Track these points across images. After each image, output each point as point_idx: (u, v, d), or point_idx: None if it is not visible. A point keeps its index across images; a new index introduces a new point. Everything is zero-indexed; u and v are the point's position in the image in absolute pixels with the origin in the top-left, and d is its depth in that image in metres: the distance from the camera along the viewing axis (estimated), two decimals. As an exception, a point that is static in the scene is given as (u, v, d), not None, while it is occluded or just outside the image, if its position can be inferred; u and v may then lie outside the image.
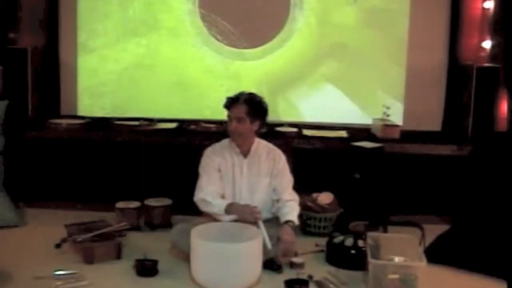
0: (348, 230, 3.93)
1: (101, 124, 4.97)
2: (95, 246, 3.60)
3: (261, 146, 3.78)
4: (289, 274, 3.42)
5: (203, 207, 3.62)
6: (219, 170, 3.70)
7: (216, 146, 3.78)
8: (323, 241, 3.90)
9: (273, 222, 3.68)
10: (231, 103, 3.62)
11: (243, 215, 3.47)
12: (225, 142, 3.77)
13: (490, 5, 4.68)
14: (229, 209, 3.51)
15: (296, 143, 4.61)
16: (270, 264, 3.49)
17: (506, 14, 4.58)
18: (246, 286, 3.19)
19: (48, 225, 4.21)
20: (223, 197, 3.66)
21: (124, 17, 5.15)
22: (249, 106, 3.60)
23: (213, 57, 5.12)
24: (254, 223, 3.43)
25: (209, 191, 3.60)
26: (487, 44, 4.70)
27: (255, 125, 3.67)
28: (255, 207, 3.49)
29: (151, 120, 4.99)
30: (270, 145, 3.83)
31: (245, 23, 5.09)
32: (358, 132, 4.84)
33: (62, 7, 5.17)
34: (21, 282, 3.27)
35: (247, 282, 3.19)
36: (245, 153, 3.73)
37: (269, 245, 3.35)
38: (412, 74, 4.98)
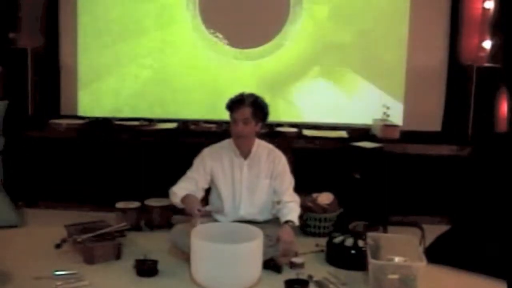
0: (348, 230, 3.93)
1: (101, 124, 4.97)
2: (95, 246, 3.60)
3: (261, 147, 3.76)
4: (289, 274, 3.42)
5: (171, 198, 3.63)
6: (212, 174, 3.69)
7: (215, 147, 3.76)
8: (323, 241, 3.90)
9: (273, 222, 3.68)
10: (236, 105, 3.59)
11: (187, 208, 3.47)
12: (225, 143, 3.76)
13: (490, 5, 4.68)
14: (183, 200, 3.51)
15: (296, 143, 4.61)
16: (270, 264, 3.49)
17: (506, 14, 4.57)
18: (246, 286, 3.19)
19: (48, 225, 4.21)
20: (220, 198, 3.68)
21: (124, 18, 5.15)
22: (254, 107, 3.59)
23: (213, 57, 5.12)
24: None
25: (181, 185, 3.60)
26: (487, 44, 4.70)
27: (258, 127, 3.67)
28: (199, 210, 3.40)
29: (151, 120, 4.99)
30: (270, 146, 3.81)
31: (245, 23, 5.08)
32: (358, 132, 4.84)
33: (62, 7, 5.18)
34: (21, 282, 3.27)
35: (247, 282, 3.19)
36: (245, 155, 3.72)
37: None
38: (412, 74, 4.98)
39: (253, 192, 3.71)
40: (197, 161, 3.71)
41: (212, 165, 3.69)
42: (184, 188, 3.59)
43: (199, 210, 3.41)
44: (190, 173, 3.68)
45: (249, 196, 3.70)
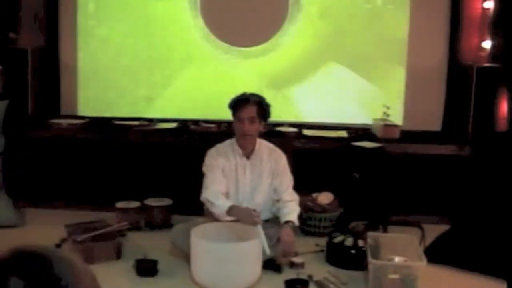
0: (348, 230, 3.93)
1: (101, 124, 4.96)
2: (95, 246, 3.60)
3: (262, 146, 3.77)
4: (289, 274, 3.42)
5: (208, 207, 3.58)
6: (223, 171, 3.68)
7: (219, 146, 3.75)
8: (323, 241, 3.90)
9: (273, 222, 3.68)
10: (242, 103, 3.58)
11: (242, 218, 3.40)
12: (228, 143, 3.76)
13: (490, 5, 4.67)
14: (230, 211, 3.45)
15: (296, 143, 4.61)
16: (270, 264, 3.49)
17: (506, 14, 4.57)
18: (246, 286, 3.19)
19: (48, 225, 4.20)
20: (227, 195, 3.64)
21: (123, 17, 5.15)
22: (259, 107, 3.60)
23: (213, 56, 5.12)
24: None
25: (213, 190, 3.54)
26: (487, 44, 4.69)
27: (261, 126, 3.67)
28: (254, 210, 3.40)
29: (151, 120, 4.99)
30: (271, 145, 3.82)
31: (245, 21, 5.08)
32: (358, 132, 4.84)
33: (62, 7, 5.17)
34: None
35: (247, 282, 3.19)
36: (248, 155, 3.72)
37: (267, 251, 3.30)
38: (412, 74, 4.98)
39: (255, 192, 3.72)
40: (209, 161, 3.67)
41: (222, 162, 3.68)
42: (220, 192, 3.53)
43: (254, 210, 3.38)
44: (211, 174, 3.61)
45: (251, 195, 3.71)
